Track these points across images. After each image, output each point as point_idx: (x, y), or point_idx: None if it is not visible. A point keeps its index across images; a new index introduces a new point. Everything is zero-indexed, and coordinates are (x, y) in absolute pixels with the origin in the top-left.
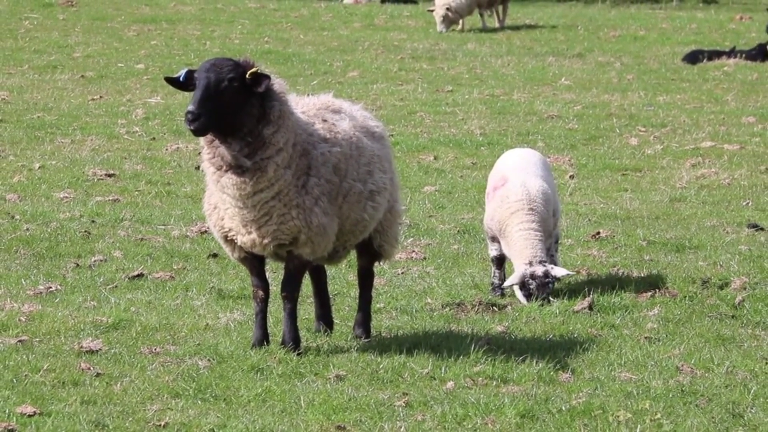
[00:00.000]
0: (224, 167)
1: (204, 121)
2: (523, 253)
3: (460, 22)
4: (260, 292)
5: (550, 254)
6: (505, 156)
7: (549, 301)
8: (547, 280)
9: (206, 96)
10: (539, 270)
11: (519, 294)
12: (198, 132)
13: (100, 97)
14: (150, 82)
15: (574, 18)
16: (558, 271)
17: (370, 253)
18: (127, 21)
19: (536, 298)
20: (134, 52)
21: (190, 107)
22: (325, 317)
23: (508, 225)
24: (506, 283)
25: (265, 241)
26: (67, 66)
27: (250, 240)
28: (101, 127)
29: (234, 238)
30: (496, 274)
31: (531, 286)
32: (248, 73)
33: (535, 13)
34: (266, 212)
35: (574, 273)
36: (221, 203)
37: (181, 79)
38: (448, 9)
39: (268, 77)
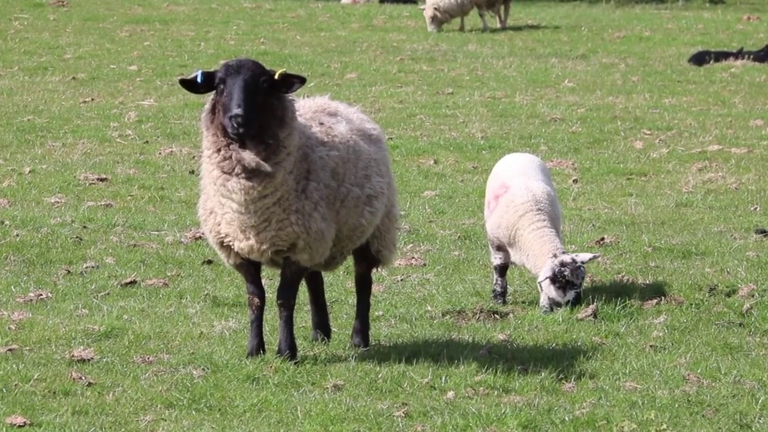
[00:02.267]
0: (234, 171)
1: (252, 124)
2: (543, 249)
3: (460, 21)
4: (256, 300)
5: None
6: (503, 162)
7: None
8: (577, 264)
9: (249, 97)
10: (567, 258)
11: (552, 290)
12: (246, 136)
13: (92, 99)
14: (143, 84)
15: (578, 18)
16: (583, 256)
17: (368, 259)
18: (120, 21)
19: (573, 288)
20: (127, 53)
21: (238, 110)
22: (322, 325)
23: (518, 229)
24: (540, 278)
25: (263, 247)
26: (58, 67)
27: (247, 246)
28: (93, 130)
29: (230, 244)
30: (499, 282)
31: (566, 273)
32: (278, 73)
33: (537, 14)
34: (266, 218)
35: (600, 255)
36: (219, 208)
37: (198, 80)
38: (436, 9)
39: (300, 79)
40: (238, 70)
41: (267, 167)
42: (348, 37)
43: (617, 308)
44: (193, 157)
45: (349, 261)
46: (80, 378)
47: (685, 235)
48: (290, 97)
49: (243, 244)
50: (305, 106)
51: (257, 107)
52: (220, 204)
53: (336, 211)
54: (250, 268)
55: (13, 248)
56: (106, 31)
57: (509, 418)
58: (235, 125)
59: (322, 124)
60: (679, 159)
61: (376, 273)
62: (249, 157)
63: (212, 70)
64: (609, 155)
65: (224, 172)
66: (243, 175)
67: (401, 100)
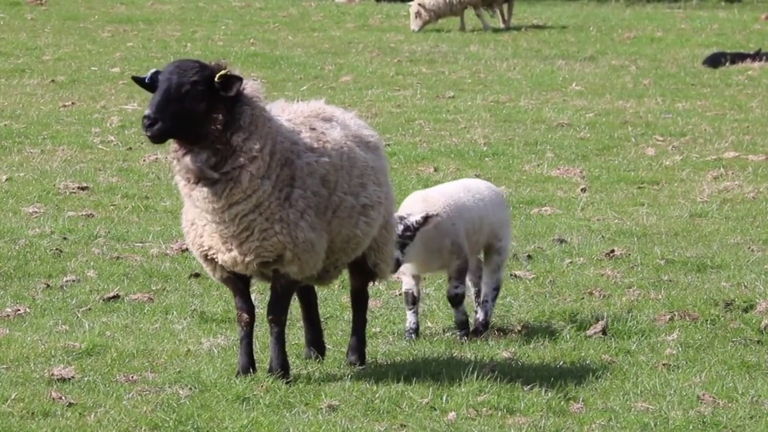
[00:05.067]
0: (193, 179)
1: (162, 127)
2: None
3: (460, 21)
4: (245, 316)
5: (484, 300)
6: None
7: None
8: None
9: (166, 100)
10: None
11: None
12: (155, 138)
13: (72, 103)
14: (126, 87)
15: (586, 18)
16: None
17: (365, 272)
18: (101, 21)
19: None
20: (109, 54)
21: (147, 111)
22: (315, 342)
23: None
24: None
25: (247, 259)
26: (36, 70)
27: (231, 258)
28: (73, 135)
29: (214, 256)
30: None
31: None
32: (218, 75)
33: (543, 13)
34: (246, 227)
35: (423, 219)
36: (199, 219)
37: (146, 80)
38: (421, 5)
39: (239, 79)
40: (170, 71)
41: (213, 174)
42: (343, 37)
43: (628, 324)
44: None
45: (345, 274)
46: (60, 398)
47: (700, 247)
48: (253, 101)
49: (226, 256)
50: (298, 110)
51: (180, 111)
52: (198, 215)
53: (328, 221)
54: (238, 283)
55: None
56: (87, 31)
57: None
58: (143, 126)
59: (313, 129)
60: (693, 167)
61: (372, 287)
62: (189, 163)
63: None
64: (619, 163)
65: (186, 181)
66: (203, 183)
67: (399, 105)
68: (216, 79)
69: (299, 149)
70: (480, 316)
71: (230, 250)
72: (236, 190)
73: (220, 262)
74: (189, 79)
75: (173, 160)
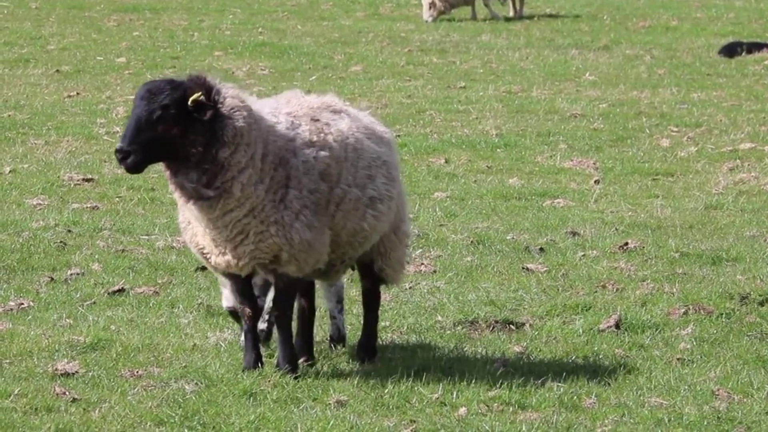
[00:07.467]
0: (185, 198)
1: (135, 160)
2: None
3: (471, 10)
4: (247, 309)
5: (332, 316)
6: None
7: None
8: None
9: (137, 130)
10: None
11: None
12: (131, 170)
13: (77, 93)
14: (132, 77)
15: (600, 7)
16: None
17: (373, 275)
18: (107, 10)
19: None
20: (114, 44)
21: (118, 144)
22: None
23: None
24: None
25: (242, 262)
26: (41, 59)
27: (224, 261)
28: (78, 126)
29: (208, 257)
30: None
31: None
32: (190, 100)
33: (556, 2)
34: (240, 230)
35: None
36: (194, 219)
37: None
38: None
39: (212, 107)
40: (140, 97)
41: (208, 193)
42: (353, 26)
43: (642, 318)
44: None
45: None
46: (64, 393)
47: (715, 240)
48: (235, 113)
49: (219, 259)
50: (304, 103)
51: (153, 139)
52: (194, 218)
53: (331, 214)
54: (238, 278)
55: None
56: (92, 20)
57: None
58: (117, 160)
59: (316, 120)
60: (708, 158)
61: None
62: (184, 183)
63: None
64: (633, 154)
65: (181, 198)
66: (195, 197)
67: (410, 95)
68: (189, 104)
69: (295, 146)
70: (331, 332)
71: (224, 254)
72: (229, 200)
73: (213, 264)
74: (159, 103)
75: (169, 181)
